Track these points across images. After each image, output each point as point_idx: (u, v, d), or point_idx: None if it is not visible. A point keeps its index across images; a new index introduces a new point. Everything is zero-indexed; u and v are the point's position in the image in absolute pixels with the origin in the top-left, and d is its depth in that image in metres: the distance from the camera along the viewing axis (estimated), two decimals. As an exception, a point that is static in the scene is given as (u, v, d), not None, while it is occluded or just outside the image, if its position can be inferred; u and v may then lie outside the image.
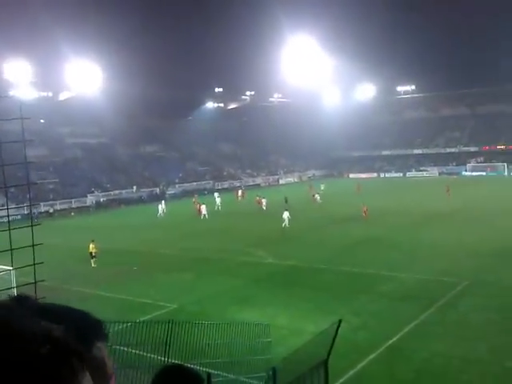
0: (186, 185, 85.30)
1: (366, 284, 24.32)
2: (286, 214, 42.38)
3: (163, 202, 58.82)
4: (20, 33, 61.15)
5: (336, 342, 11.05)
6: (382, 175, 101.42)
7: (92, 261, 31.04)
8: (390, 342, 17.09)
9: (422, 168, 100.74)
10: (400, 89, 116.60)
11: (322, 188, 70.02)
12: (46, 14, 65.17)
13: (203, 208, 51.88)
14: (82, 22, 73.67)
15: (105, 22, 74.64)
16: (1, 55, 53.91)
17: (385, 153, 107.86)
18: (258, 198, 58.70)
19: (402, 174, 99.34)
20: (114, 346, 9.77)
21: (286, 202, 55.74)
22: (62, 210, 65.42)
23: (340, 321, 11.14)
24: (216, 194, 64.64)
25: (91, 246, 31.41)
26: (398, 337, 17.49)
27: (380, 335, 17.65)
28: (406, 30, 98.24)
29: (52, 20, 65.27)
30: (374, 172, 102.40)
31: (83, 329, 1.49)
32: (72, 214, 63.30)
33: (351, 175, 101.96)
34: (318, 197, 59.42)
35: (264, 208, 55.68)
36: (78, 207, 67.85)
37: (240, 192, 70.57)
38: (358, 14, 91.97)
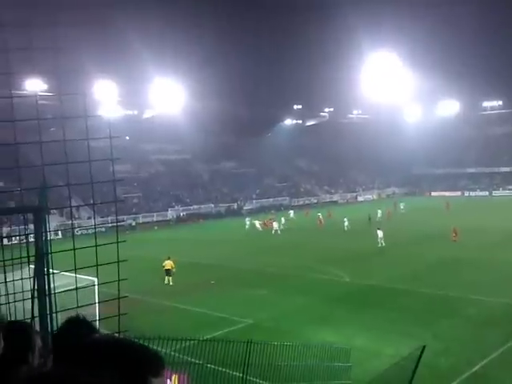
0: (262, 200, 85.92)
1: (448, 307, 23.30)
2: (380, 233, 41.16)
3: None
4: (107, 54, 64.29)
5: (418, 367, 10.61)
6: (466, 194, 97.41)
7: (169, 278, 30.04)
8: (474, 369, 16.22)
9: (509, 187, 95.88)
10: (486, 104, 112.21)
11: (402, 207, 68.24)
12: (130, 35, 68.20)
13: (275, 224, 53.10)
14: (165, 43, 76.40)
15: (186, 42, 77.12)
16: (90, 75, 56.87)
17: (469, 170, 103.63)
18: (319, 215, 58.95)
19: (487, 193, 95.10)
20: (190, 359, 9.89)
21: (370, 219, 54.80)
22: (144, 223, 67.67)
23: (424, 347, 10.69)
24: (291, 212, 65.18)
25: (167, 262, 30.49)
26: (482, 364, 16.58)
27: (463, 361, 16.80)
28: (492, 44, 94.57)
29: (137, 41, 68.23)
30: (458, 190, 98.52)
31: (138, 368, 1.49)
32: (155, 227, 65.25)
33: (433, 193, 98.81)
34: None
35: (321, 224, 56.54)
36: (159, 221, 69.95)
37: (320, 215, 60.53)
38: (441, 28, 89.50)
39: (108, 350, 1.53)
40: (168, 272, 30.20)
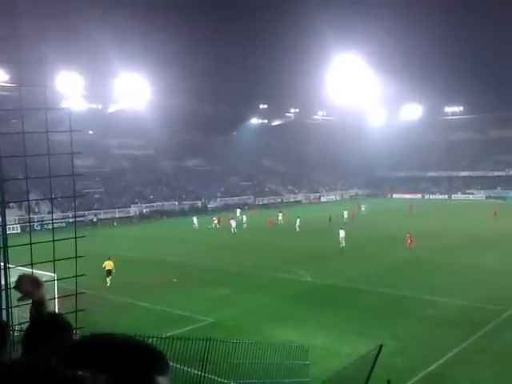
0: (227, 199, 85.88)
1: (406, 307, 23.76)
2: (342, 233, 41.22)
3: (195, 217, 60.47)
4: (72, 45, 63.08)
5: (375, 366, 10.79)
6: (426, 197, 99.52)
7: (108, 279, 29.18)
8: (430, 368, 16.59)
9: (468, 191, 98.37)
10: (448, 109, 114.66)
11: (363, 209, 69.14)
12: (96, 27, 67.09)
13: (232, 222, 53.43)
14: (133, 38, 75.45)
15: (153, 38, 76.25)
16: (54, 67, 55.70)
17: (430, 174, 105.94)
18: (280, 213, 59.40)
19: (447, 197, 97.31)
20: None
21: (330, 220, 55.32)
22: (105, 219, 66.70)
23: (381, 346, 10.87)
24: (238, 211, 65.41)
25: (107, 262, 29.68)
26: (438, 363, 16.96)
27: (420, 361, 17.16)
28: (455, 50, 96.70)
29: (102, 34, 67.11)
30: (419, 193, 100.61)
31: (143, 366, 1.45)
32: (115, 223, 64.36)
33: (395, 195, 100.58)
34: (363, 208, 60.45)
35: (282, 222, 57.45)
36: (121, 217, 69.05)
37: (280, 215, 60.43)
38: (406, 33, 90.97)
39: (114, 348, 1.50)
40: (109, 272, 29.45)
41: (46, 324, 2.26)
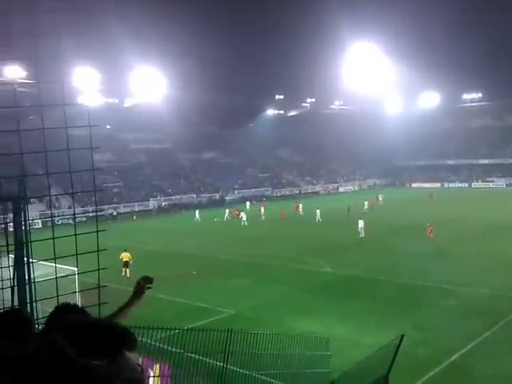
0: (244, 191, 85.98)
1: (427, 297, 23.58)
2: (361, 224, 40.87)
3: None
4: (88, 40, 63.44)
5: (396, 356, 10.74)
6: (445, 185, 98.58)
7: (126, 270, 29.36)
8: (452, 358, 16.47)
9: (488, 179, 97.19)
10: (466, 96, 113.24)
11: (381, 199, 68.56)
12: (112, 22, 67.35)
13: (243, 215, 53.40)
14: (148, 31, 75.65)
15: (169, 31, 76.33)
16: (70, 62, 56.14)
17: (449, 162, 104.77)
18: (296, 203, 59.53)
19: (467, 185, 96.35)
20: (172, 349, 9.90)
21: (349, 210, 55.11)
22: (125, 213, 67.28)
23: (402, 336, 10.80)
24: (248, 203, 65.14)
25: (124, 254, 30.10)
26: (460, 353, 16.83)
27: (441, 351, 17.04)
28: (473, 36, 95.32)
29: (118, 28, 67.36)
30: (438, 182, 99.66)
31: (108, 342, 1.58)
32: (134, 217, 64.88)
33: (414, 185, 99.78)
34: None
35: (301, 213, 57.66)
36: (140, 211, 69.60)
37: (300, 206, 61.12)
38: (423, 20, 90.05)
39: (81, 328, 1.63)
40: (126, 264, 29.71)
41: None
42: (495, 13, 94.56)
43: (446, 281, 25.87)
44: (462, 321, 20.17)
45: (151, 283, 3.23)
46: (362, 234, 40.70)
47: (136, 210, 69.90)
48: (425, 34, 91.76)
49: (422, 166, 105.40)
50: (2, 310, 2.93)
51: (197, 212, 59.44)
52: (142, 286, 3.14)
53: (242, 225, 51.60)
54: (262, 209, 58.01)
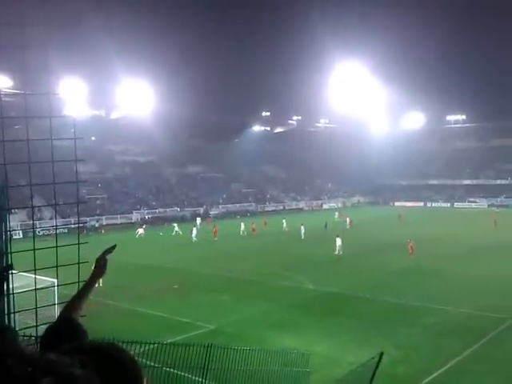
0: (229, 205, 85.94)
1: (407, 316, 23.69)
2: (339, 241, 40.64)
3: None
4: (75, 52, 63.38)
5: (376, 374, 10.76)
6: (428, 205, 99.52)
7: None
8: (432, 377, 16.53)
9: (470, 199, 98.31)
10: (450, 118, 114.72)
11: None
12: (100, 34, 67.46)
13: (194, 230, 52.73)
14: (135, 44, 75.78)
15: (157, 45, 76.61)
16: (58, 73, 55.94)
17: (432, 182, 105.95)
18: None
19: (449, 205, 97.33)
20: (151, 363, 9.81)
21: (326, 227, 55.28)
22: (107, 224, 66.75)
23: (381, 354, 10.85)
24: (198, 220, 65.33)
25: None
26: (439, 372, 16.90)
27: (421, 370, 17.10)
28: (458, 58, 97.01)
29: (106, 40, 67.48)
30: (421, 201, 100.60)
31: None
32: (106, 230, 64.36)
33: (397, 203, 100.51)
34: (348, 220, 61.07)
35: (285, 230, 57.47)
36: (123, 223, 69.10)
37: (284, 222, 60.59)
38: (409, 41, 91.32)
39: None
40: None
41: (63, 328, 2.32)
42: (480, 36, 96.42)
43: (427, 299, 26.02)
44: (441, 340, 20.27)
45: (112, 251, 3.02)
46: (340, 252, 40.31)
47: (119, 222, 69.41)
48: (410, 55, 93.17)
49: (405, 186, 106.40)
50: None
51: (176, 225, 59.21)
52: (103, 264, 2.95)
53: (193, 241, 50.90)
54: (243, 225, 56.31)
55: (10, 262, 3.68)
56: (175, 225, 59.54)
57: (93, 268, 2.95)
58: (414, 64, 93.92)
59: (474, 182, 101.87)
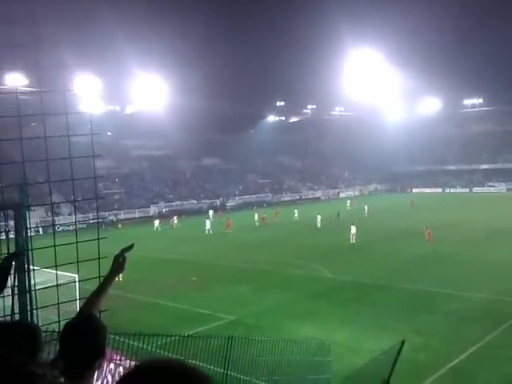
0: (245, 197, 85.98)
1: (427, 302, 23.57)
2: (353, 229, 40.23)
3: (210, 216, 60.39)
4: (89, 48, 63.74)
5: (397, 361, 10.75)
6: (446, 190, 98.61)
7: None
8: (453, 363, 16.47)
9: (489, 183, 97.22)
10: (467, 102, 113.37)
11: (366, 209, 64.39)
12: (114, 30, 67.66)
13: (207, 222, 52.40)
14: (149, 39, 76.00)
15: (169, 38, 76.70)
16: (73, 70, 56.28)
17: (450, 167, 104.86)
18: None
19: (467, 190, 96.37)
20: (172, 356, 9.90)
21: (338, 216, 55.10)
22: (126, 219, 67.22)
23: (403, 341, 10.83)
24: (211, 212, 64.47)
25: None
26: (460, 358, 16.83)
27: (442, 356, 17.04)
28: (474, 42, 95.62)
29: (120, 36, 67.70)
30: (439, 187, 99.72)
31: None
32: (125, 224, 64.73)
33: (414, 190, 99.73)
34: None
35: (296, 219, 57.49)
36: (141, 217, 69.55)
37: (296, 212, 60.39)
38: (424, 26, 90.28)
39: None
40: None
41: (82, 324, 2.35)
42: (496, 19, 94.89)
43: (446, 285, 25.87)
44: (461, 325, 20.17)
45: (130, 250, 3.06)
46: (353, 241, 39.91)
47: (137, 216, 69.85)
48: (425, 40, 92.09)
49: (422, 172, 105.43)
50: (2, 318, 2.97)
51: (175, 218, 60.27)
52: (122, 262, 3.00)
53: (206, 233, 50.72)
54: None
55: (16, 251, 3.70)
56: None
57: (111, 265, 3.00)
58: (429, 48, 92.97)
59: (492, 166, 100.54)
